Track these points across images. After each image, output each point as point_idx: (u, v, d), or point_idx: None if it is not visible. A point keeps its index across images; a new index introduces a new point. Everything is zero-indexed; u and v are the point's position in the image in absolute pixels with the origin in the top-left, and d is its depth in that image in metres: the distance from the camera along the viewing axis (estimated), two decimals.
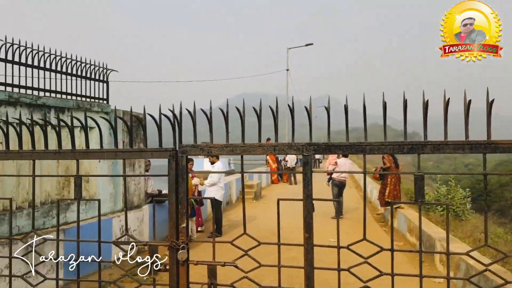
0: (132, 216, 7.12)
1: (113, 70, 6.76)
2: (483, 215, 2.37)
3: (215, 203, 8.97)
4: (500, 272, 2.76)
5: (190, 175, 8.83)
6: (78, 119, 2.79)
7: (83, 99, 6.23)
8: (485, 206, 2.43)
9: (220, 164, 9.41)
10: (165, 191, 8.08)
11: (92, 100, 6.47)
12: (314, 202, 2.57)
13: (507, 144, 2.22)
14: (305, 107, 2.39)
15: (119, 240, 2.76)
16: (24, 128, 2.77)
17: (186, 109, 2.58)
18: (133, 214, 7.16)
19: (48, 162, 5.27)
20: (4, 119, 2.74)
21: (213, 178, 9.04)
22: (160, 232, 7.26)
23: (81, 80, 6.16)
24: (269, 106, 2.46)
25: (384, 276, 2.46)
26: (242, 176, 2.71)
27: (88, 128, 2.75)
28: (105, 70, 6.67)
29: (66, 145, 5.07)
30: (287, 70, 33.52)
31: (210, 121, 2.63)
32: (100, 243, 2.75)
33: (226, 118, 2.60)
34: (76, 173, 2.73)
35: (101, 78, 6.62)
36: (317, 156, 37.51)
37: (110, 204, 6.74)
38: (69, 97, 5.97)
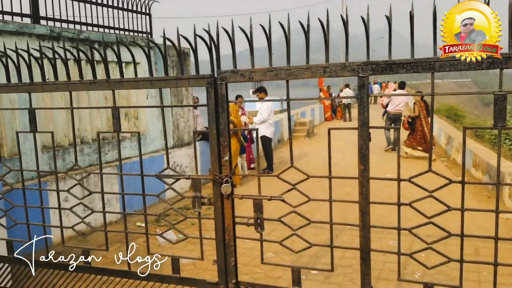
0: (183, 153, 7.17)
1: (155, 1, 6.48)
2: None
3: (265, 140, 8.82)
4: None
5: (240, 112, 8.68)
6: (113, 50, 2.59)
7: (126, 33, 6.07)
8: None
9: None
10: None
11: (135, 34, 6.30)
12: (371, 132, 2.27)
13: None
14: (361, 17, 2.01)
15: (161, 173, 2.64)
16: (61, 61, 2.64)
17: (223, 27, 2.29)
18: (184, 151, 7.20)
19: (96, 98, 5.28)
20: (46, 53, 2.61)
21: (262, 115, 8.79)
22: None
23: (123, 12, 5.96)
24: (318, 19, 2.10)
25: (447, 213, 2.17)
26: (288, 104, 2.44)
27: (133, 63, 2.55)
28: (146, 1, 6.40)
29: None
30: None
31: (250, 42, 2.33)
32: (143, 177, 2.67)
33: (268, 37, 2.28)
34: (113, 104, 2.60)
35: (143, 10, 6.38)
36: (375, 91, 35.86)
37: (161, 140, 6.78)
38: (112, 31, 5.83)
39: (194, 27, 2.34)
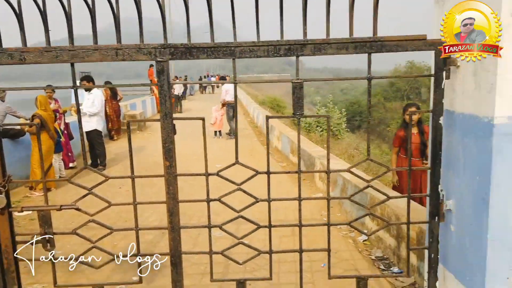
0: None
1: None
2: (365, 133, 2.11)
3: (97, 134, 8.00)
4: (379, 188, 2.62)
5: (53, 103, 7.62)
6: None
7: None
8: (368, 115, 2.17)
9: (98, 91, 8.24)
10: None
11: None
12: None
13: (395, 40, 1.91)
14: None
15: None
16: None
17: None
18: None
19: None
20: None
21: (96, 107, 7.87)
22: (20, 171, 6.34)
23: None
24: None
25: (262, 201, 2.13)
26: (76, 93, 2.03)
27: None
28: None
29: None
30: None
31: (17, 12, 1.85)
32: None
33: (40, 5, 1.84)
34: None
35: None
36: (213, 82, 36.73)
37: None
38: None
39: None
